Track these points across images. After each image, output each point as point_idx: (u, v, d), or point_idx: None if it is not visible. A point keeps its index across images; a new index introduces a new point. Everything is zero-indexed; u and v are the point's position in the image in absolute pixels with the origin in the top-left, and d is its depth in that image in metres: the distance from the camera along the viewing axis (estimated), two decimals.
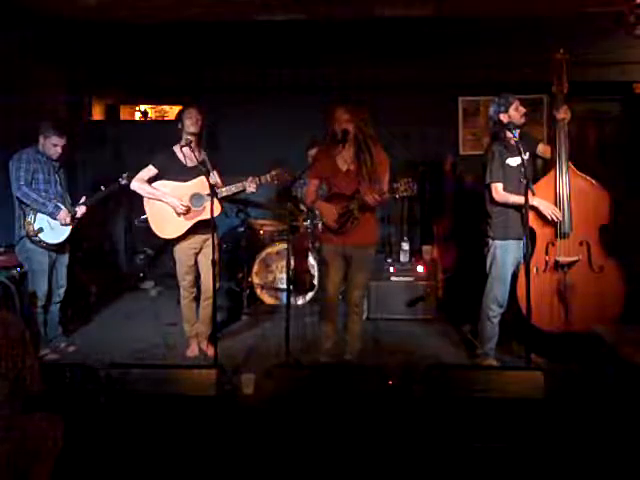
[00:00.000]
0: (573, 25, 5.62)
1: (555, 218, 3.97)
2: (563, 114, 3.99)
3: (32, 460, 2.38)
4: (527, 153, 3.80)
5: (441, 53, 5.96)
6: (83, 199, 4.52)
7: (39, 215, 4.33)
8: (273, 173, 4.16)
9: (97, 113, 7.04)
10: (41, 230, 4.33)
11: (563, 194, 3.99)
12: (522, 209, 3.94)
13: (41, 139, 4.37)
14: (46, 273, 4.42)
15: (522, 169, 3.65)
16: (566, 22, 5.57)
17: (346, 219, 3.81)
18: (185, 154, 4.26)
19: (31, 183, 4.32)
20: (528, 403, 3.08)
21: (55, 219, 4.35)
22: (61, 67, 6.20)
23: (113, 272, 6.57)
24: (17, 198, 4.32)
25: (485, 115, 6.06)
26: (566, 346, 4.06)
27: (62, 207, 4.39)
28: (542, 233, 4.01)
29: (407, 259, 5.69)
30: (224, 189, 4.24)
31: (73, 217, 4.44)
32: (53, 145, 4.36)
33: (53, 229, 4.38)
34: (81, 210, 4.50)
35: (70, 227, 4.44)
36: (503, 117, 3.98)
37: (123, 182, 4.54)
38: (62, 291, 4.60)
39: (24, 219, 4.32)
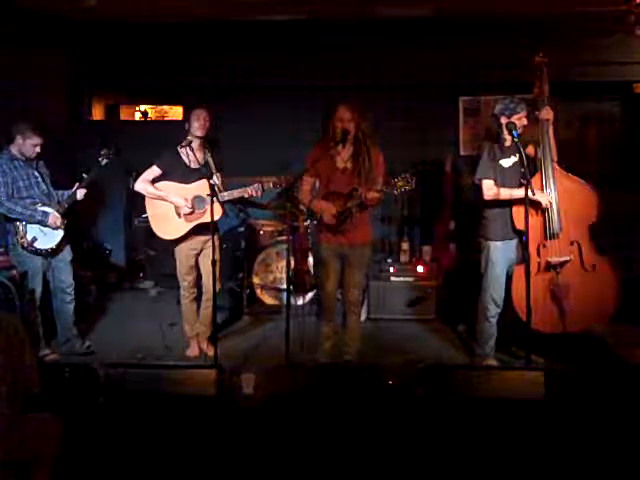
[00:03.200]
0: (573, 25, 5.63)
1: (548, 205, 3.96)
2: (546, 115, 4.01)
3: (32, 460, 2.39)
4: (524, 154, 3.79)
5: (441, 53, 5.96)
6: (76, 185, 4.42)
7: (29, 225, 4.27)
8: (275, 180, 4.16)
9: (97, 113, 7.03)
10: (35, 239, 4.27)
11: (550, 195, 3.99)
12: (512, 210, 3.97)
13: (19, 140, 4.25)
14: (39, 275, 4.36)
15: (521, 169, 3.66)
16: (566, 22, 5.57)
17: (344, 218, 3.81)
18: (189, 155, 4.23)
19: (12, 194, 4.23)
20: (528, 403, 3.08)
21: (46, 225, 4.30)
22: (61, 67, 6.20)
23: (113, 272, 6.57)
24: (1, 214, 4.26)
25: (485, 115, 6.10)
26: (566, 346, 4.07)
27: (49, 211, 4.31)
28: (532, 235, 3.95)
29: (407, 259, 5.69)
30: (226, 193, 4.22)
31: (64, 215, 4.36)
32: (33, 145, 4.27)
33: (46, 234, 4.32)
34: (81, 193, 4.40)
35: (63, 229, 4.37)
36: (503, 120, 3.98)
37: (104, 162, 4.42)
38: (71, 290, 4.49)
39: (15, 232, 4.26)
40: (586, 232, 4.05)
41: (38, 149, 4.31)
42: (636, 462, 2.77)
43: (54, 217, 4.32)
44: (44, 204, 4.34)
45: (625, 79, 6.02)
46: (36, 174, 4.39)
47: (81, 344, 4.57)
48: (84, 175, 4.44)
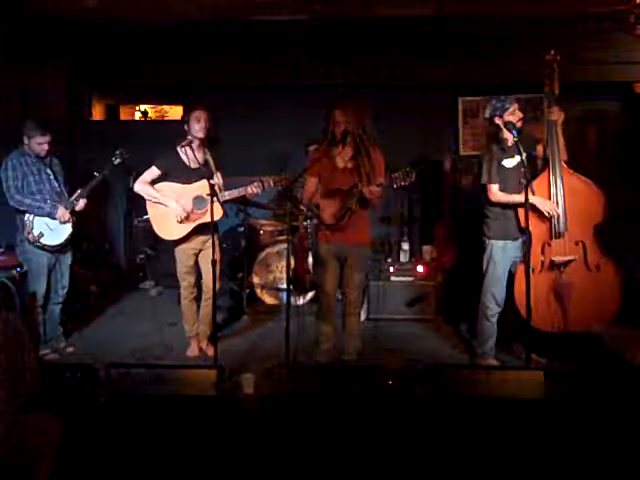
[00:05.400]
0: (573, 25, 5.62)
1: (554, 214, 3.97)
2: (556, 115, 4.00)
3: (32, 460, 2.38)
4: (525, 153, 3.80)
5: (441, 53, 5.96)
6: (78, 192, 4.46)
7: (37, 220, 4.30)
8: (275, 178, 4.17)
9: (97, 113, 7.04)
10: (42, 235, 4.31)
11: (557, 194, 3.99)
12: (517, 209, 3.97)
13: (25, 139, 4.31)
14: (45, 274, 4.40)
15: (522, 169, 3.65)
16: (566, 22, 5.57)
17: (344, 213, 3.82)
18: (188, 155, 4.23)
19: (22, 188, 4.28)
20: (528, 403, 3.08)
21: (54, 218, 4.34)
22: (61, 67, 6.19)
23: (113, 272, 6.57)
24: (13, 206, 4.30)
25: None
26: (566, 346, 4.07)
27: (59, 205, 4.36)
28: (537, 233, 3.99)
29: (407, 259, 5.69)
30: (227, 193, 4.22)
31: (72, 212, 4.41)
32: (38, 144, 4.30)
33: (53, 230, 4.36)
34: (80, 204, 4.44)
35: (71, 225, 4.42)
36: (498, 120, 3.97)
37: (117, 161, 4.51)
38: (64, 292, 4.58)
39: (23, 226, 4.30)
40: (591, 232, 4.05)
41: (45, 147, 4.34)
42: (636, 462, 2.77)
43: (63, 210, 4.36)
44: (54, 201, 4.37)
45: (625, 79, 6.03)
46: (48, 171, 4.43)
47: (64, 345, 4.62)
48: (95, 174, 4.48)
